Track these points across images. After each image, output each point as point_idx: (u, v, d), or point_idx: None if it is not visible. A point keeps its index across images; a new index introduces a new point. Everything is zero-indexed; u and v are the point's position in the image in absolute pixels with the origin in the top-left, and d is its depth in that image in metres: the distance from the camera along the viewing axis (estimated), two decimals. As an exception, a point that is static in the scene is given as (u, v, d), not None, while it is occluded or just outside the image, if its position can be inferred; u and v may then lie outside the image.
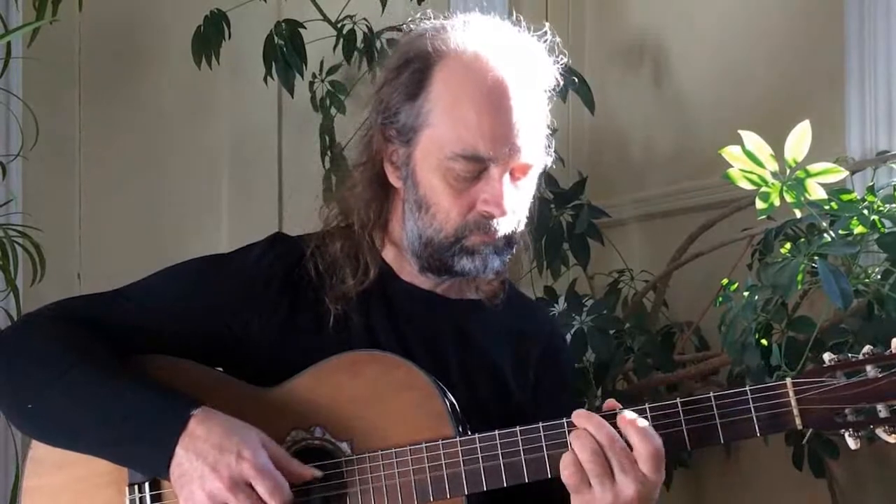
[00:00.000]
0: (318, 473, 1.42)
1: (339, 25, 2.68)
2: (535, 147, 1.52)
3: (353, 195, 1.59)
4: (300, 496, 1.43)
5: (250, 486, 1.37)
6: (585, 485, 1.36)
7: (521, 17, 1.59)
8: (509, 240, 1.53)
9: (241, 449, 1.37)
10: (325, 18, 2.70)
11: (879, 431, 1.35)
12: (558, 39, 1.58)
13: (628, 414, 1.37)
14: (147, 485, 1.46)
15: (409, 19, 1.60)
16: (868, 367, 1.35)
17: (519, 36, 1.55)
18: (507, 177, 1.49)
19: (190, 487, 1.37)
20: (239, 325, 1.54)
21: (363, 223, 1.57)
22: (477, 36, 1.52)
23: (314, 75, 2.73)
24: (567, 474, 1.36)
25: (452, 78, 1.49)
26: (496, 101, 1.48)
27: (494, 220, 1.50)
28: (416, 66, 1.51)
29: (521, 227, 1.55)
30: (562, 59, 1.58)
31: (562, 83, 1.58)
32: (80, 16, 2.56)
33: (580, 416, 1.38)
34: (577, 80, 2.53)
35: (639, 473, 1.34)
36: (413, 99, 1.51)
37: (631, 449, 1.35)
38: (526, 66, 1.52)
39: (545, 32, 1.58)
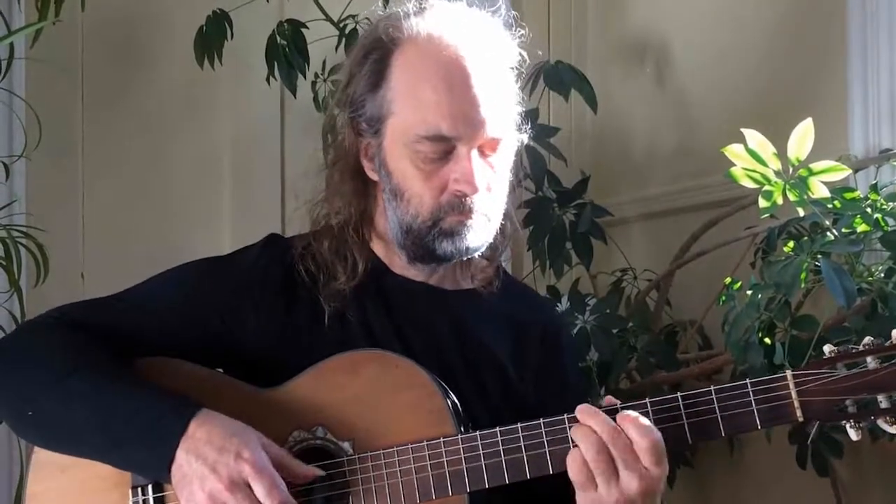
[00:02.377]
0: (320, 472, 1.43)
1: (341, 25, 2.68)
2: (501, 121, 1.51)
3: (333, 193, 1.59)
4: (303, 496, 1.43)
5: (250, 486, 1.37)
6: (592, 482, 1.36)
7: (523, 17, 1.60)
8: (487, 217, 1.53)
9: (241, 449, 1.38)
10: (328, 18, 2.70)
11: (880, 422, 1.35)
12: (514, 13, 1.58)
13: (628, 411, 1.37)
14: (150, 487, 1.46)
15: (365, 12, 1.61)
16: (868, 359, 1.35)
17: (473, 14, 1.55)
18: (475, 154, 1.49)
19: (190, 488, 1.38)
20: (237, 326, 1.54)
21: (346, 220, 1.58)
22: (430, 18, 1.52)
23: (317, 75, 2.73)
24: (574, 472, 1.36)
25: (408, 62, 1.50)
26: (453, 78, 1.48)
27: (469, 199, 1.50)
28: (374, 57, 1.52)
29: (501, 205, 1.55)
30: (520, 31, 1.57)
31: (526, 58, 1.57)
32: (82, 16, 2.57)
33: (583, 412, 1.38)
34: (576, 78, 2.52)
35: (641, 468, 1.34)
36: (376, 89, 1.52)
37: (631, 444, 1.35)
38: (482, 41, 1.52)
39: (498, 8, 1.57)
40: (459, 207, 1.50)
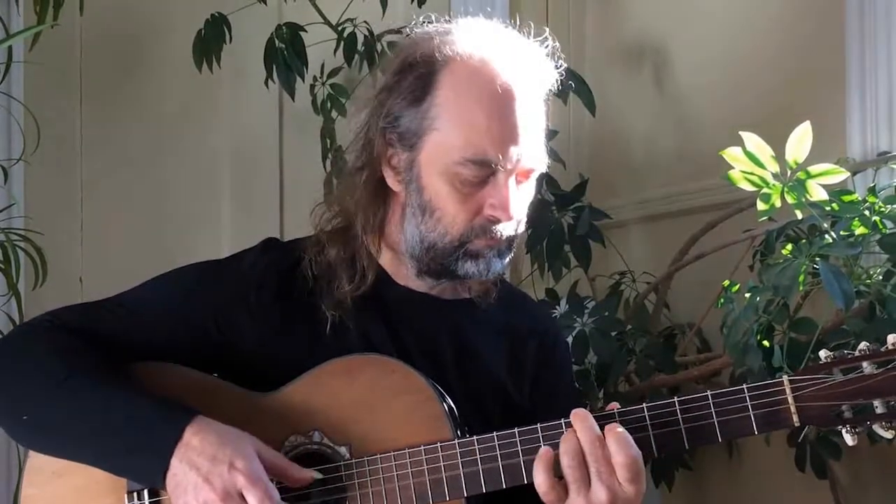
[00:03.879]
0: (317, 475, 1.42)
1: (339, 28, 2.69)
2: (538, 151, 1.52)
3: (351, 200, 1.58)
4: (299, 501, 1.43)
5: (243, 496, 1.37)
6: (553, 490, 1.36)
7: (521, 20, 1.59)
8: (510, 242, 1.54)
9: (234, 459, 1.37)
10: (326, 21, 2.70)
11: (876, 427, 1.35)
12: (558, 44, 1.58)
13: (615, 424, 1.37)
14: (146, 492, 1.46)
15: (412, 23, 1.60)
16: (864, 364, 1.35)
17: (523, 41, 1.55)
18: (512, 181, 1.50)
19: (185, 498, 1.38)
20: (232, 331, 1.54)
21: (361, 227, 1.57)
22: (482, 41, 1.51)
23: (315, 78, 2.73)
24: (538, 471, 1.37)
25: (460, 83, 1.49)
26: (504, 106, 1.48)
27: (499, 225, 1.50)
28: (420, 71, 1.50)
29: (522, 230, 1.56)
30: (562, 63, 1.58)
31: (560, 86, 1.58)
32: (81, 20, 2.57)
33: (574, 416, 1.38)
34: (573, 83, 2.52)
35: (615, 482, 1.34)
36: (417, 104, 1.50)
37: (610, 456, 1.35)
38: (531, 71, 1.52)
39: (546, 38, 1.57)
40: (490, 232, 1.50)
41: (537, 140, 1.52)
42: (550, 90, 1.56)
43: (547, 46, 1.57)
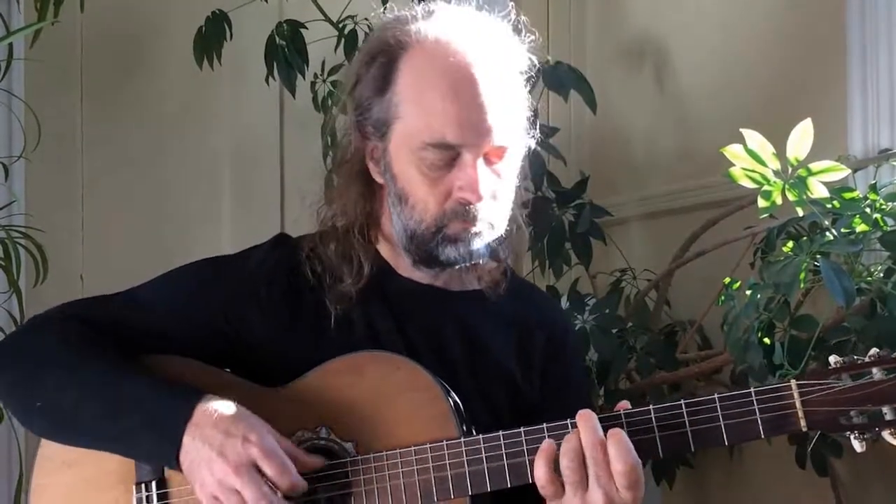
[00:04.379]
0: (322, 463, 1.42)
1: (340, 25, 2.68)
2: (508, 129, 1.50)
3: (339, 194, 1.59)
4: (305, 496, 1.43)
5: (258, 469, 1.37)
6: (551, 485, 1.35)
7: (523, 18, 1.59)
8: (490, 223, 1.52)
9: (248, 433, 1.38)
10: (327, 19, 2.70)
11: (885, 434, 1.33)
12: (524, 17, 1.56)
13: (617, 430, 1.36)
14: (154, 483, 1.47)
15: (372, 14, 1.59)
16: (874, 370, 1.34)
17: (482, 18, 1.54)
18: (481, 161, 1.48)
19: (200, 474, 1.38)
20: (242, 327, 1.54)
21: (351, 222, 1.57)
22: (438, 23, 1.51)
23: (316, 75, 2.73)
24: (538, 469, 1.36)
25: (416, 67, 1.49)
26: (460, 86, 1.47)
27: (473, 206, 1.49)
28: (381, 60, 1.51)
29: (506, 211, 1.54)
30: (530, 37, 1.56)
31: (536, 62, 1.56)
32: (81, 17, 2.57)
33: (581, 416, 1.37)
34: (573, 80, 2.52)
35: (613, 487, 1.33)
36: (382, 93, 1.50)
37: (609, 462, 1.34)
38: (491, 47, 1.51)
39: (509, 12, 1.56)
40: (463, 215, 1.49)
41: (507, 117, 1.49)
42: (528, 67, 1.54)
43: (511, 21, 1.55)
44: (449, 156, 1.47)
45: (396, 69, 1.49)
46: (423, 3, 1.55)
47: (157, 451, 1.43)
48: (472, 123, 1.46)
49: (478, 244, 1.51)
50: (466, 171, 1.47)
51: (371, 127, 1.52)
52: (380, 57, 1.51)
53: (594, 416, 1.36)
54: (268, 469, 1.37)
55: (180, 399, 1.42)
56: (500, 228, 1.54)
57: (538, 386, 1.60)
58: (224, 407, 1.40)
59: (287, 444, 1.42)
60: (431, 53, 1.48)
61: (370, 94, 1.51)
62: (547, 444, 1.37)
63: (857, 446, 1.34)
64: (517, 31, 1.55)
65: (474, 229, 1.50)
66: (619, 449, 1.34)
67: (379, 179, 1.56)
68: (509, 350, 1.59)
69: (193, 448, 1.38)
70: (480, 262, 1.56)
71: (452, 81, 1.47)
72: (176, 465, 1.41)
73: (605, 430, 1.36)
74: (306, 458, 1.42)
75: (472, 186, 1.47)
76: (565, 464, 1.35)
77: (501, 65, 1.51)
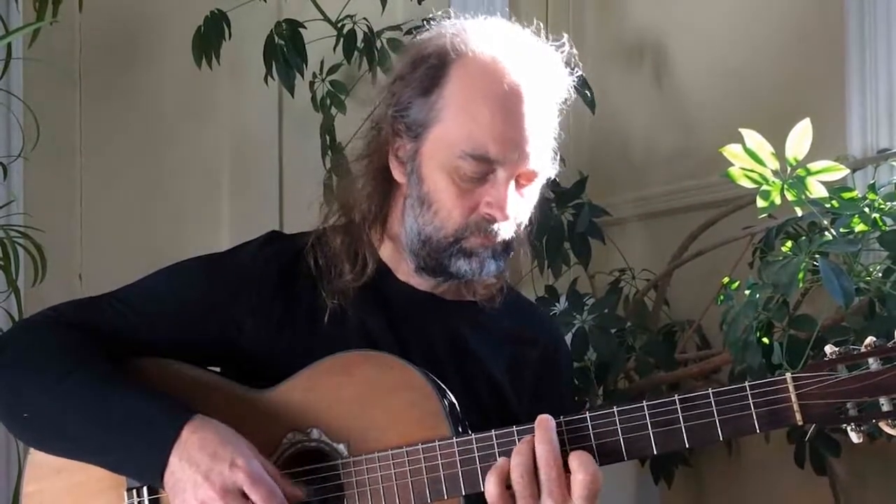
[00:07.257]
0: (303, 494, 1.42)
1: (339, 25, 2.68)
2: (543, 156, 1.52)
3: (354, 188, 1.59)
4: None
5: (243, 494, 1.37)
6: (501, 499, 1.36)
7: (521, 17, 1.59)
8: (507, 245, 1.53)
9: (235, 457, 1.37)
10: (326, 18, 2.70)
11: (882, 425, 1.32)
12: (575, 51, 1.58)
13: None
14: (146, 489, 1.46)
15: (430, 16, 1.60)
16: (870, 360, 1.33)
17: (538, 45, 1.55)
18: (512, 182, 1.49)
19: (183, 496, 1.38)
20: (233, 324, 1.54)
21: (363, 216, 1.57)
22: (496, 40, 1.52)
23: (314, 75, 2.73)
24: (489, 484, 1.36)
25: (469, 78, 1.49)
26: (510, 105, 1.48)
27: (495, 224, 1.50)
28: (432, 63, 1.51)
29: (521, 234, 1.55)
30: (577, 71, 1.57)
31: (574, 96, 1.58)
32: (80, 16, 2.57)
33: (539, 422, 1.37)
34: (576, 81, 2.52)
35: (565, 498, 1.34)
36: (426, 94, 1.51)
37: (568, 472, 1.34)
38: (542, 75, 1.52)
39: (563, 43, 1.57)
40: (485, 230, 1.50)
41: (543, 144, 1.52)
42: (566, 99, 1.56)
43: (563, 52, 1.56)
44: (484, 170, 1.48)
45: (446, 75, 1.50)
46: (484, 16, 1.56)
47: (143, 469, 1.42)
48: (515, 143, 1.48)
49: (490, 262, 1.52)
50: (498, 188, 1.48)
51: (405, 125, 1.52)
52: (430, 59, 1.51)
53: (552, 424, 1.36)
54: (254, 495, 1.36)
55: (169, 416, 1.41)
56: (512, 250, 1.55)
57: (528, 401, 1.60)
58: (212, 427, 1.40)
59: (273, 469, 1.41)
60: (487, 68, 1.49)
61: (413, 93, 1.51)
62: (502, 461, 1.37)
63: (855, 437, 1.34)
64: (569, 63, 1.56)
65: (491, 246, 1.51)
66: (582, 458, 1.34)
67: (400, 179, 1.55)
68: (500, 362, 1.60)
69: (179, 468, 1.38)
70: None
71: (504, 99, 1.48)
72: (160, 484, 1.40)
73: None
74: (289, 488, 1.41)
75: (501, 204, 1.48)
76: (515, 478, 1.35)
77: (548, 94, 1.53)
